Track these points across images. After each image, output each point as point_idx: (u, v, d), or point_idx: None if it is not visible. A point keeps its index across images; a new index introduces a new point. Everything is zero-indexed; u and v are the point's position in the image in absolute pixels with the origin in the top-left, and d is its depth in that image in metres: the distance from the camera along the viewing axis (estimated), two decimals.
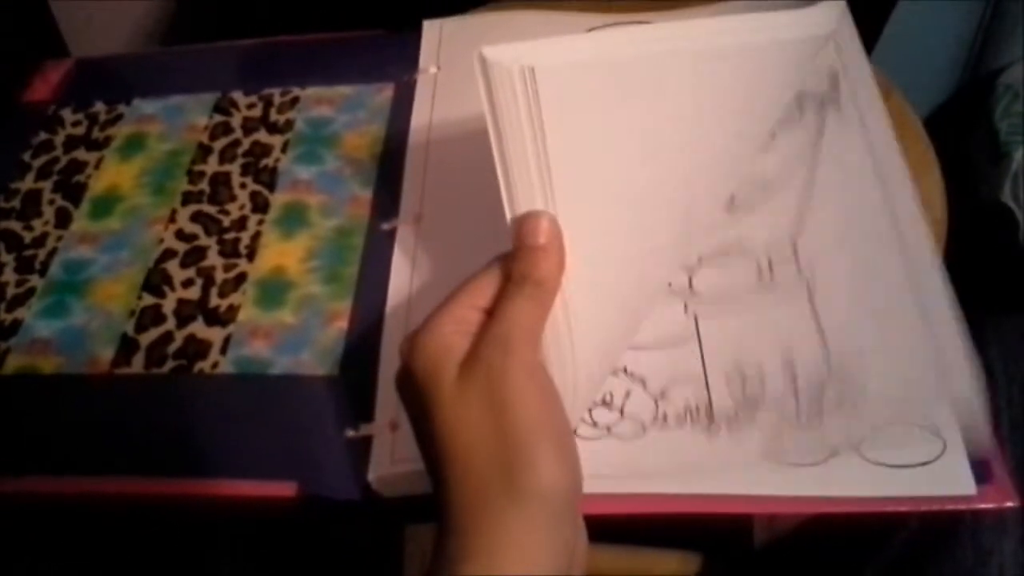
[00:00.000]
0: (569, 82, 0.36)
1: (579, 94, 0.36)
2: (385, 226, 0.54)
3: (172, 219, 0.57)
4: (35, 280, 0.55)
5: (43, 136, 0.64)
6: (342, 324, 0.50)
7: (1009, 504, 0.40)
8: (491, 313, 0.36)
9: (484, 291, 0.36)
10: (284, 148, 0.60)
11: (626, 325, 0.42)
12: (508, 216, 0.37)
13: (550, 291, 0.36)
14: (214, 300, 0.52)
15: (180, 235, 0.56)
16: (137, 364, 0.50)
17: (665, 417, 0.43)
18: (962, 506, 0.41)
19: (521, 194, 0.36)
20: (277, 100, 0.64)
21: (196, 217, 0.57)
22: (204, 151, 0.61)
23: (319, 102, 0.63)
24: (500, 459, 0.33)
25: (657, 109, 0.39)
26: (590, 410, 0.44)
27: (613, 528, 0.41)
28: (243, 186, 0.58)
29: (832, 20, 0.44)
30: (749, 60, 0.41)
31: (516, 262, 0.36)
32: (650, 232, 0.40)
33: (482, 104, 0.35)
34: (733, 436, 0.42)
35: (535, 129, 0.35)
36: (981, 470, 0.41)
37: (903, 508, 0.41)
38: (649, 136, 0.39)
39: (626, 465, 0.42)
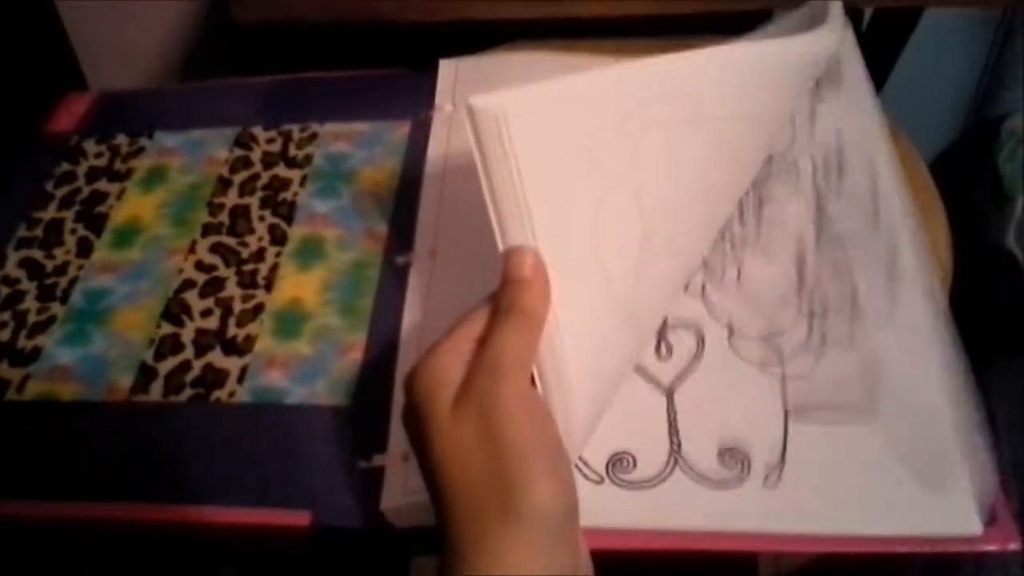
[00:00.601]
0: (542, 125, 0.38)
1: (553, 136, 0.38)
2: (400, 260, 0.55)
3: (192, 250, 0.58)
4: (56, 308, 0.56)
5: (66, 167, 0.65)
6: (357, 356, 0.51)
7: (1012, 547, 0.41)
8: (482, 343, 0.37)
9: (477, 323, 0.38)
10: (302, 182, 0.62)
11: (619, 354, 0.43)
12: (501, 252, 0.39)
13: (537, 321, 0.37)
14: (232, 330, 0.53)
15: (199, 266, 0.57)
16: (155, 392, 0.51)
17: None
18: (966, 548, 0.41)
19: (510, 231, 0.38)
20: (296, 135, 0.65)
21: (215, 248, 0.58)
22: (224, 184, 0.62)
23: (337, 138, 0.65)
24: (494, 482, 0.34)
25: (641, 145, 0.41)
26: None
27: (610, 565, 0.41)
28: (262, 219, 0.60)
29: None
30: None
31: (504, 294, 0.38)
32: (640, 262, 0.42)
33: (472, 149, 0.37)
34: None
35: (514, 171, 0.37)
36: (985, 513, 0.41)
37: (908, 548, 0.41)
38: (633, 170, 0.41)
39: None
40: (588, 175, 0.40)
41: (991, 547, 0.41)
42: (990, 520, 0.41)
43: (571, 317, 0.38)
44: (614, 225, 0.41)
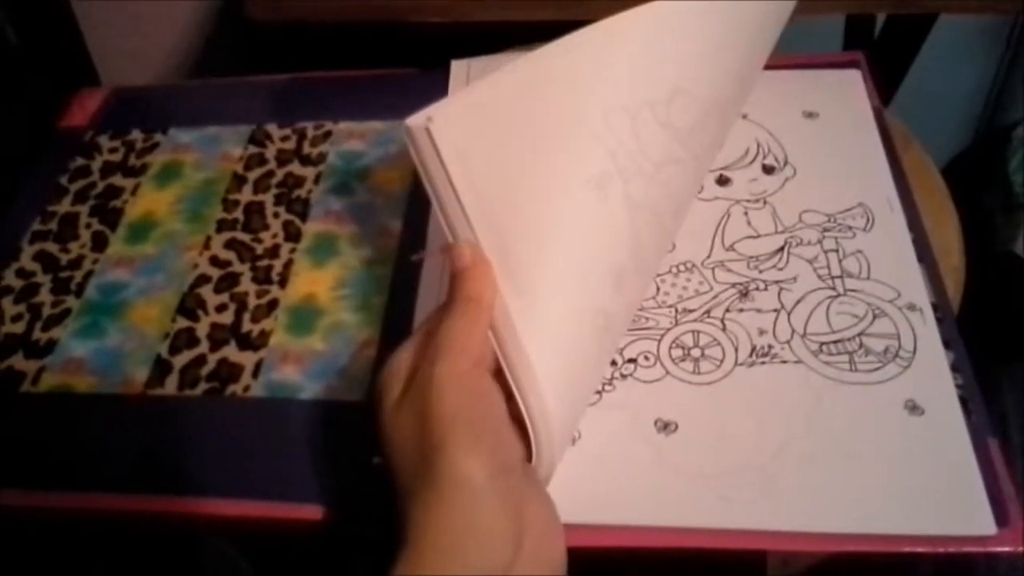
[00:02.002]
0: (471, 130, 0.39)
1: (485, 138, 0.40)
2: (413, 257, 0.55)
3: (207, 246, 0.58)
4: (71, 301, 0.56)
5: (80, 161, 0.66)
6: (370, 352, 0.51)
7: None
8: (430, 333, 0.40)
9: (432, 319, 0.41)
10: (316, 180, 0.62)
11: (587, 336, 0.43)
12: None
13: (483, 306, 0.39)
14: (247, 325, 0.54)
15: (214, 261, 0.58)
16: (170, 386, 0.51)
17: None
18: (979, 548, 0.42)
19: (456, 232, 0.40)
20: (310, 133, 0.65)
21: (230, 244, 0.58)
22: (239, 181, 0.63)
23: (351, 136, 0.65)
24: (420, 453, 0.36)
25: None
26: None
27: (615, 563, 0.41)
28: (276, 215, 0.60)
29: None
30: None
31: (450, 287, 0.40)
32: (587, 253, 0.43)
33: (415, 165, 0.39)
34: None
35: (447, 176, 0.39)
36: (997, 514, 0.42)
37: (920, 548, 0.42)
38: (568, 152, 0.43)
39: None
40: (538, 168, 0.42)
41: (1004, 548, 0.41)
42: (1003, 521, 0.41)
43: (523, 304, 0.40)
44: (579, 213, 0.42)
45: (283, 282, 0.56)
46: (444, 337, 0.38)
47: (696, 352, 0.48)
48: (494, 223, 0.40)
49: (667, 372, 0.48)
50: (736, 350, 0.48)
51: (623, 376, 0.48)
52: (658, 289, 0.51)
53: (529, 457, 0.40)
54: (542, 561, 0.37)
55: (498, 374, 0.40)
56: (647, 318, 0.50)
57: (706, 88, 0.51)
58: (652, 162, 0.47)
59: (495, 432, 0.38)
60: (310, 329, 0.53)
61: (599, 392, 0.47)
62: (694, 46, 0.51)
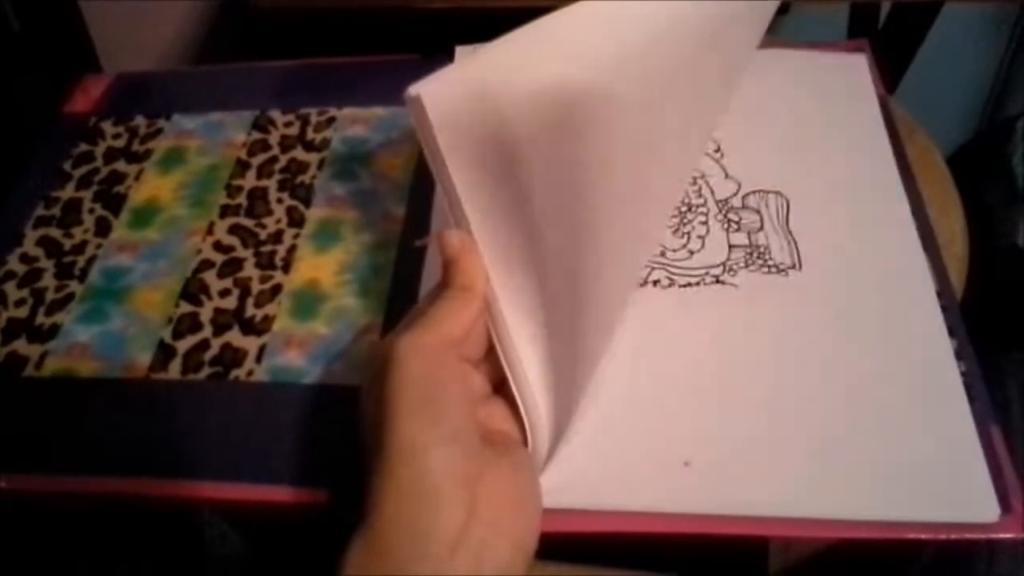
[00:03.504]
0: (458, 95, 0.36)
1: (472, 106, 0.37)
2: (416, 243, 0.55)
3: (210, 231, 0.58)
4: (74, 286, 0.56)
5: (84, 147, 0.66)
6: (374, 337, 0.51)
7: None
8: None
9: (423, 301, 0.41)
10: (320, 166, 0.62)
11: (580, 322, 0.43)
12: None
13: (472, 295, 0.39)
14: (250, 310, 0.54)
15: (218, 246, 0.57)
16: (174, 370, 0.51)
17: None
18: (981, 535, 0.42)
19: (455, 213, 0.39)
20: (314, 119, 0.65)
21: (234, 230, 0.58)
22: (242, 166, 0.63)
23: (355, 122, 0.65)
24: (376, 428, 0.36)
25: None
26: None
27: (612, 549, 0.41)
28: (280, 201, 0.60)
29: None
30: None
31: (443, 272, 0.40)
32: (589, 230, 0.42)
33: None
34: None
35: (438, 151, 0.37)
36: (1000, 501, 0.42)
37: (923, 535, 0.42)
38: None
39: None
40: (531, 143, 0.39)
41: (1007, 535, 0.41)
42: (1005, 509, 0.41)
43: (513, 285, 0.40)
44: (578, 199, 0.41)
45: (286, 267, 0.56)
46: (420, 314, 0.39)
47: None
48: (483, 198, 0.38)
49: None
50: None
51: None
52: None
53: (525, 441, 0.40)
54: (501, 531, 0.36)
55: (490, 358, 0.40)
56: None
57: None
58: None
59: (445, 404, 0.37)
60: (313, 314, 0.53)
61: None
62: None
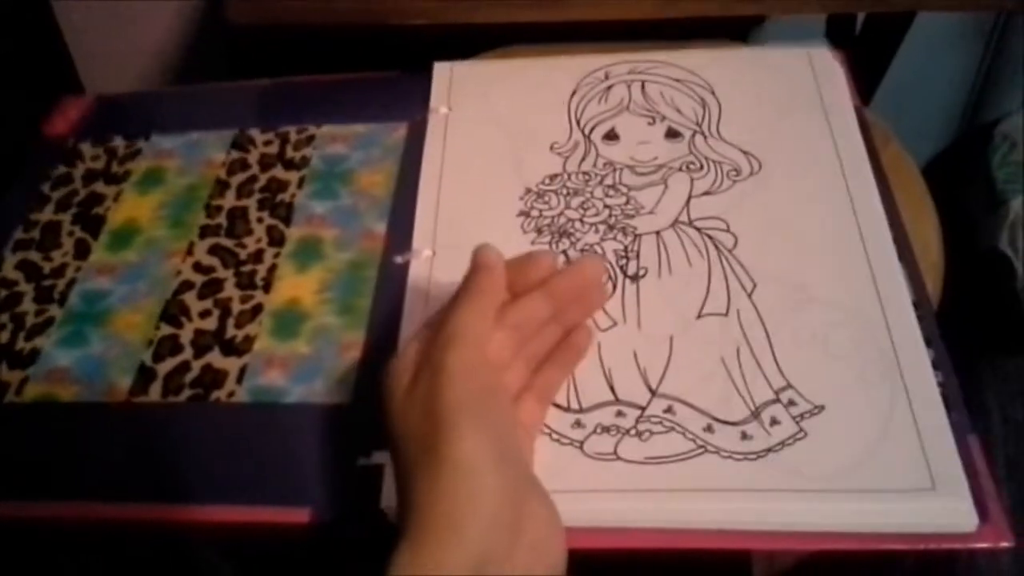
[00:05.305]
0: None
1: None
2: (398, 260, 0.56)
3: (190, 251, 0.58)
4: (54, 310, 0.56)
5: (62, 169, 0.65)
6: (355, 354, 0.51)
7: (1005, 544, 0.41)
8: (442, 321, 0.41)
9: (438, 315, 0.42)
10: (300, 184, 0.62)
11: None
12: None
13: (490, 300, 0.41)
14: (230, 331, 0.54)
15: (198, 267, 0.57)
16: (154, 393, 0.51)
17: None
18: (960, 545, 0.42)
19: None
20: (293, 137, 0.65)
21: (213, 250, 0.58)
22: (221, 186, 0.63)
23: (334, 140, 0.65)
24: (424, 440, 0.37)
25: None
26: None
27: (592, 564, 0.42)
28: (260, 220, 0.60)
29: None
30: None
31: (467, 278, 0.42)
32: None
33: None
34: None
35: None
36: (978, 511, 0.42)
37: (902, 545, 0.42)
38: None
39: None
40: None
41: (984, 544, 0.41)
42: (983, 518, 0.42)
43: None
44: None
45: (267, 287, 0.56)
46: (455, 326, 0.39)
47: None
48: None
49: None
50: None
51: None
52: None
53: None
54: (541, 556, 0.37)
55: None
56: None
57: None
58: None
59: (501, 424, 0.38)
60: (295, 333, 0.53)
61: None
62: None
